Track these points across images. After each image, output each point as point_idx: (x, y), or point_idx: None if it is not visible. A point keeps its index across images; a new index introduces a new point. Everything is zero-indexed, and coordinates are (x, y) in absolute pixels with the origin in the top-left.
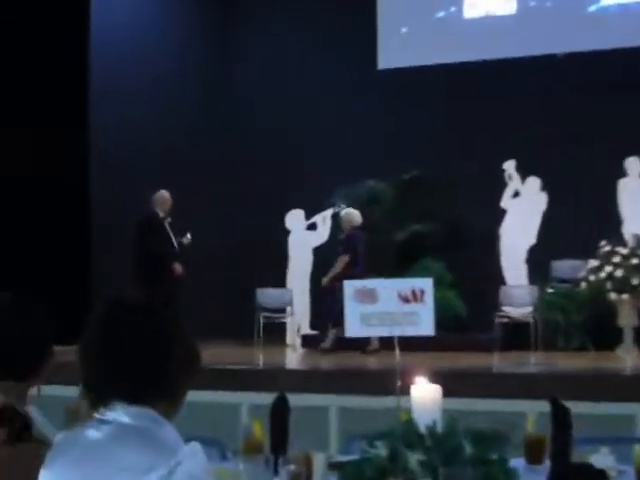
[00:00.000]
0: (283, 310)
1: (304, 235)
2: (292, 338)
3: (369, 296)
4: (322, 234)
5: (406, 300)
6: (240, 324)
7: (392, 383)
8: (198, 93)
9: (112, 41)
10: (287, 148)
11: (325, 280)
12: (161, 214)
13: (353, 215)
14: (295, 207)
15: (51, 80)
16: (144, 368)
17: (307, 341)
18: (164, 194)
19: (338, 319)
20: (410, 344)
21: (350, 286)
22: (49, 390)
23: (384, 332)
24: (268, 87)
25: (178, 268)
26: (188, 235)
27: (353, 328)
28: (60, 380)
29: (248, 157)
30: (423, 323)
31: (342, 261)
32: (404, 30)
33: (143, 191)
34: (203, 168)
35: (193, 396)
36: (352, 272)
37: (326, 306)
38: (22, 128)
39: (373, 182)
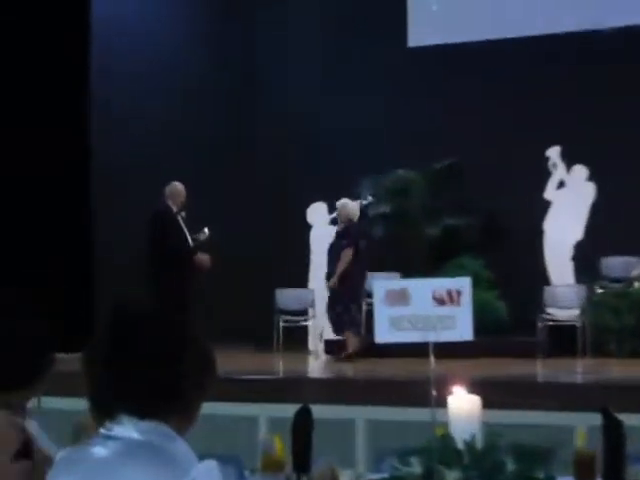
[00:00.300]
0: (304, 313)
1: (327, 230)
2: (314, 344)
3: (400, 298)
4: None
5: (441, 302)
6: (257, 328)
7: (426, 393)
8: (213, 78)
9: (114, 34)
10: (308, 135)
11: (333, 281)
12: (174, 208)
13: (350, 207)
14: (317, 200)
15: (50, 76)
16: (154, 379)
17: (330, 347)
18: (177, 186)
19: (355, 327)
20: (446, 350)
21: (380, 287)
22: (51, 402)
23: (417, 337)
24: (291, 70)
25: (202, 258)
26: (205, 230)
27: (382, 333)
28: (64, 391)
29: (265, 146)
30: (460, 327)
31: (347, 255)
32: (434, 8)
33: (149, 187)
34: (216, 159)
35: (208, 408)
36: (355, 269)
37: (335, 313)
38: (20, 128)
39: (402, 171)
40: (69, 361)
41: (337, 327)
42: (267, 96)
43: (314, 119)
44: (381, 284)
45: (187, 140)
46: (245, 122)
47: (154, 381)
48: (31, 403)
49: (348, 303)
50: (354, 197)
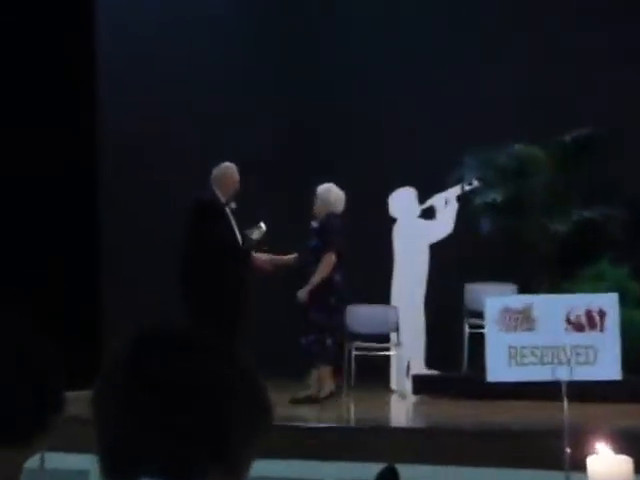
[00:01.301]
0: (385, 338)
1: (417, 225)
2: (399, 380)
3: (522, 320)
4: (445, 224)
5: (578, 326)
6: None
7: (557, 451)
8: (260, 37)
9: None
10: (391, 103)
11: (304, 293)
12: (222, 198)
13: (334, 195)
14: (403, 184)
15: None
16: (189, 429)
17: (422, 384)
18: (229, 169)
19: (329, 357)
20: (582, 390)
21: (493, 305)
22: (56, 461)
23: (544, 375)
24: (361, 24)
25: (262, 259)
26: (262, 225)
27: (498, 368)
28: (69, 445)
29: (330, 116)
30: (603, 361)
31: (328, 260)
32: None
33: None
34: (265, 139)
35: (259, 468)
36: (336, 280)
37: (308, 339)
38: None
39: (519, 146)
40: (74, 402)
41: (305, 359)
42: (328, 52)
43: (404, 83)
44: (494, 301)
45: (217, 106)
46: (301, 88)
47: (189, 432)
48: (31, 462)
49: (324, 327)
50: (454, 181)
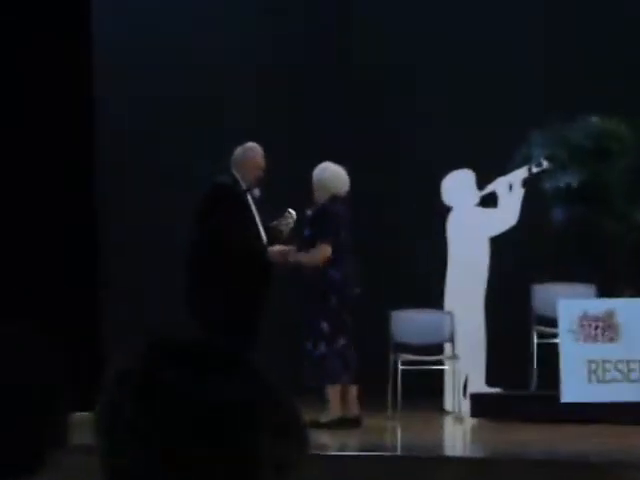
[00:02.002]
0: (437, 350)
1: (476, 215)
2: (455, 400)
3: (604, 329)
4: (508, 213)
5: None
6: (361, 373)
7: None
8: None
9: None
10: (444, 70)
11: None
12: (244, 184)
13: (331, 176)
14: (459, 166)
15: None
16: (208, 462)
17: (482, 405)
18: (253, 149)
19: (331, 370)
20: None
21: (568, 312)
22: None
23: (631, 394)
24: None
25: (278, 251)
26: (291, 213)
27: (575, 387)
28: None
29: (372, 90)
30: None
31: (323, 252)
32: None
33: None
34: (297, 118)
35: None
36: (335, 277)
37: (305, 350)
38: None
39: (597, 120)
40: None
41: (307, 375)
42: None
43: (457, 47)
44: (570, 306)
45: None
46: (338, 65)
47: (208, 465)
48: None
49: (320, 334)
50: (519, 162)
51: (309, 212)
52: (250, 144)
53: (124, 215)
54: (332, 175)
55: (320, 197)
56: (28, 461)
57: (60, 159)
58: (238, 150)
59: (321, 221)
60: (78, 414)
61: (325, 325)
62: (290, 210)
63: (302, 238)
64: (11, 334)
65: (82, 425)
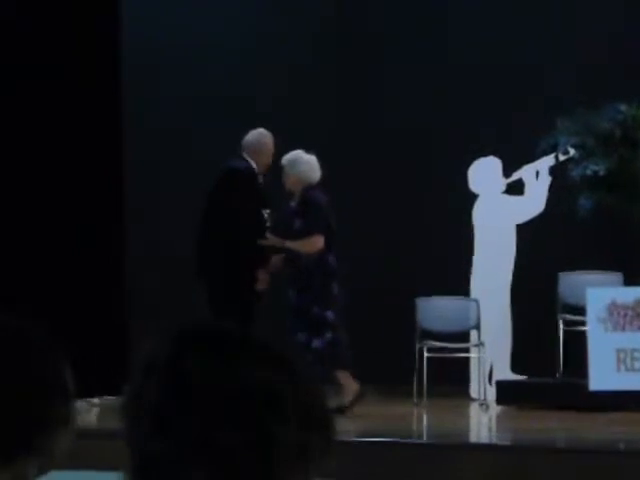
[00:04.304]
0: (464, 337)
1: (502, 202)
2: (480, 387)
3: (633, 318)
4: (535, 200)
5: None
6: (385, 360)
7: None
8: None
9: None
10: (471, 55)
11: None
12: (257, 169)
13: (305, 165)
14: (486, 154)
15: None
16: (233, 447)
17: (507, 393)
18: (267, 136)
19: (343, 356)
20: None
21: (597, 300)
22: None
23: None
24: None
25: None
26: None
27: (603, 375)
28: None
29: (401, 79)
30: None
31: (316, 243)
32: None
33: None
34: (314, 103)
35: None
36: (327, 260)
37: (299, 340)
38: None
39: (625, 106)
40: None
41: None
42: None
43: (478, 31)
44: (598, 294)
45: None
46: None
47: (233, 446)
48: None
49: (325, 323)
50: (546, 150)
51: (292, 204)
52: (262, 130)
53: (155, 203)
54: (308, 165)
55: (295, 187)
56: (33, 436)
57: (88, 154)
58: (252, 135)
59: (309, 212)
60: (106, 398)
61: (330, 313)
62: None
63: (292, 231)
64: (10, 323)
65: (109, 410)
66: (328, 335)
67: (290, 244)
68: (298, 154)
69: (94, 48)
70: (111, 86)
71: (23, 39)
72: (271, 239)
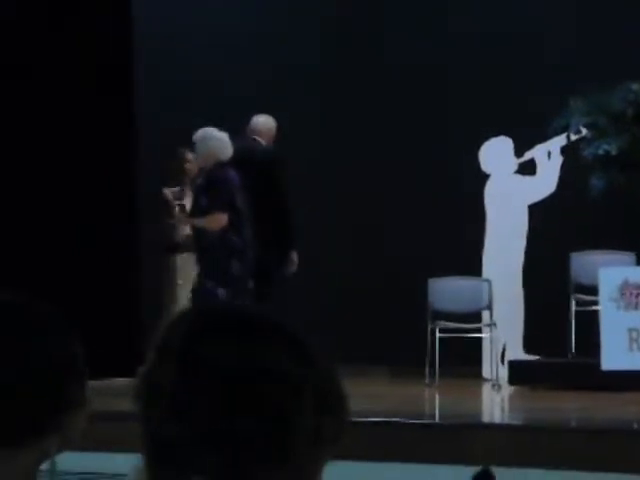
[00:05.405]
0: (476, 318)
1: (514, 182)
2: (492, 367)
3: None
4: (547, 180)
5: None
6: (397, 341)
7: None
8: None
9: None
10: (480, 36)
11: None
12: None
13: (211, 139)
14: (498, 133)
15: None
16: (248, 428)
17: (520, 373)
18: (268, 122)
19: None
20: None
21: (609, 279)
22: (76, 461)
23: None
24: None
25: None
26: None
27: (615, 355)
28: (98, 444)
29: (412, 60)
30: None
31: (219, 220)
32: None
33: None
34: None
35: (332, 471)
36: (230, 239)
37: None
38: None
39: (637, 85)
40: (107, 393)
41: None
42: None
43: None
44: (610, 274)
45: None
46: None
47: (248, 431)
48: (45, 465)
49: (205, 300)
50: (558, 129)
51: (199, 180)
52: (263, 117)
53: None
54: (219, 141)
55: (205, 163)
56: (46, 417)
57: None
58: (260, 118)
59: (213, 189)
60: (120, 380)
61: (221, 291)
62: None
63: (199, 207)
64: (26, 307)
65: (122, 391)
66: None
67: (195, 221)
68: (209, 130)
69: (107, 47)
70: (124, 85)
71: (35, 39)
72: (178, 217)
